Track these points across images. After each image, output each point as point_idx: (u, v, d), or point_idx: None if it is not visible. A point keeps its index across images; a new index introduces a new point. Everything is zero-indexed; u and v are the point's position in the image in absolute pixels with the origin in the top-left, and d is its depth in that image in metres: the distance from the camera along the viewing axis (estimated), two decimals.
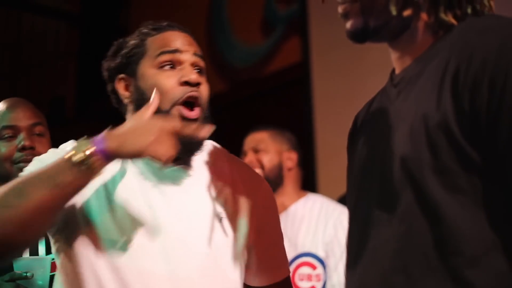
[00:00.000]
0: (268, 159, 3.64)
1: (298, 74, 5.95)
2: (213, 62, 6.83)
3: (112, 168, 1.89)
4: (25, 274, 2.12)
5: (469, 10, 1.50)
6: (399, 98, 1.53)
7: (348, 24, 1.58)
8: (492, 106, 1.32)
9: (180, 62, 1.94)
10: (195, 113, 1.91)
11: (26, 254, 2.29)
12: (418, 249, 1.38)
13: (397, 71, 1.61)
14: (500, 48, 1.34)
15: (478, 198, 1.35)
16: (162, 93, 1.89)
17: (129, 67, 2.00)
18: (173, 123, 1.81)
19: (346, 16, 1.58)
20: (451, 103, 1.37)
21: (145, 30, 2.03)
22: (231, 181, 2.00)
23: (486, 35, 1.38)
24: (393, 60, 1.63)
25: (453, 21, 1.50)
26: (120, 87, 2.02)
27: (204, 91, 1.95)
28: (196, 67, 1.96)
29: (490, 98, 1.32)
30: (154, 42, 1.98)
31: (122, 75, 2.01)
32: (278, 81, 6.13)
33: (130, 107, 2.01)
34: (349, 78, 5.25)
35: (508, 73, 1.31)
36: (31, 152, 2.34)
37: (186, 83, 1.90)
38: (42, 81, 7.39)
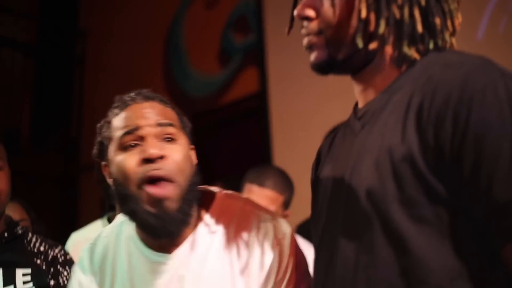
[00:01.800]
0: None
1: (255, 104, 5.97)
2: (170, 92, 6.82)
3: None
4: None
5: (431, 46, 1.53)
6: (364, 131, 1.54)
7: (313, 56, 1.58)
8: (455, 140, 1.33)
9: (142, 138, 1.86)
10: (163, 190, 1.80)
11: None
12: (385, 279, 1.39)
13: (360, 105, 1.62)
14: (462, 84, 1.35)
15: (443, 228, 1.35)
16: (126, 177, 1.82)
17: (103, 154, 1.96)
18: None
19: (310, 48, 1.58)
20: (416, 137, 1.38)
21: (112, 110, 1.96)
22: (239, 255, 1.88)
23: (448, 70, 1.40)
24: (356, 93, 1.64)
25: (416, 55, 1.52)
26: (106, 174, 1.96)
27: (172, 161, 1.84)
28: (164, 136, 1.88)
29: (453, 132, 1.34)
30: (117, 123, 1.91)
31: (103, 162, 1.96)
32: (235, 111, 6.15)
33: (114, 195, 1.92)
34: (306, 107, 5.28)
35: (471, 108, 1.33)
36: None
37: (146, 161, 1.81)
38: None
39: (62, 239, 2.60)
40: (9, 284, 2.30)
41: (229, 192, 2.03)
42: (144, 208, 1.79)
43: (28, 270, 2.37)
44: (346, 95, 1.67)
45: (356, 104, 1.66)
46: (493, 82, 1.35)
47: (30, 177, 6.08)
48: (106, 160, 1.94)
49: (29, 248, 2.45)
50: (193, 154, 1.97)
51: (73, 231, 3.12)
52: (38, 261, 2.41)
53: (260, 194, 3.47)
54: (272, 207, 3.39)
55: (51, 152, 7.68)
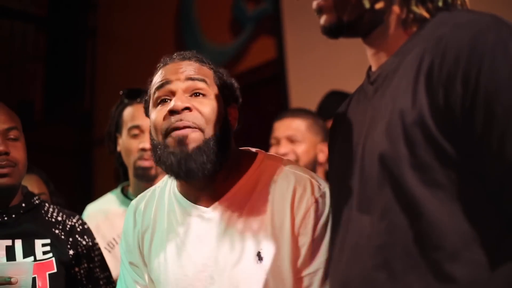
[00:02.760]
0: (305, 152, 3.41)
1: (270, 73, 5.93)
2: None
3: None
4: (9, 279, 2.09)
5: (440, 3, 1.53)
6: (376, 95, 1.55)
7: (322, 20, 1.59)
8: (466, 101, 1.33)
9: (172, 93, 1.94)
10: (186, 131, 1.87)
11: (3, 259, 2.25)
12: (399, 245, 1.40)
13: (373, 68, 1.63)
14: (472, 43, 1.35)
15: (456, 192, 1.36)
16: (155, 128, 1.93)
17: (147, 111, 2.05)
18: None
19: (320, 11, 1.59)
20: (426, 99, 1.38)
21: (156, 70, 2.05)
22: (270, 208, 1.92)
23: (458, 30, 1.39)
24: (368, 57, 1.65)
25: (425, 14, 1.52)
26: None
27: (197, 112, 1.90)
28: (194, 91, 1.94)
29: (464, 93, 1.34)
30: (153, 81, 2.00)
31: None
32: (249, 80, 6.12)
33: None
34: (325, 76, 5.24)
35: (480, 68, 1.33)
36: (5, 158, 2.29)
37: (171, 112, 1.89)
38: (9, 85, 7.32)
39: (77, 212, 2.60)
40: (29, 255, 2.31)
41: (269, 153, 2.07)
42: (168, 151, 1.87)
43: (47, 240, 2.38)
44: (365, 62, 1.66)
45: (370, 68, 1.66)
46: (503, 41, 1.35)
47: (44, 150, 6.09)
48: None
49: (46, 218, 2.46)
50: (233, 112, 2.03)
51: (87, 204, 3.13)
52: (57, 231, 2.43)
53: (280, 127, 3.46)
54: (297, 135, 3.40)
55: (65, 125, 7.69)
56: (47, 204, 2.52)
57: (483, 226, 1.35)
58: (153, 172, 2.89)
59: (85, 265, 2.43)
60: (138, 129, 2.94)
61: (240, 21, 6.53)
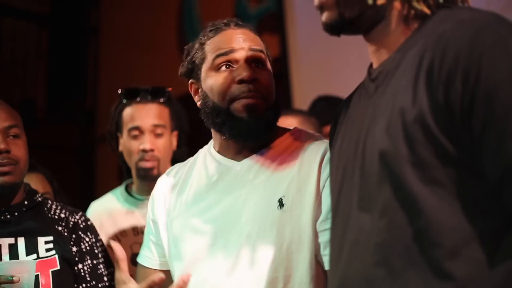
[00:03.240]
0: None
1: (274, 70, 5.93)
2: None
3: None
4: (11, 278, 2.10)
5: (441, 0, 1.53)
6: (377, 93, 1.56)
7: (324, 17, 1.60)
8: (466, 98, 1.34)
9: (236, 61, 2.04)
10: (256, 100, 2.00)
11: (6, 258, 2.26)
12: (399, 242, 1.40)
13: (374, 66, 1.64)
14: (472, 41, 1.36)
15: (455, 190, 1.37)
16: (219, 93, 2.03)
17: (194, 72, 2.14)
18: None
19: (321, 8, 1.60)
20: (426, 97, 1.39)
21: (205, 32, 2.14)
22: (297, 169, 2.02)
23: (458, 28, 1.40)
24: (370, 54, 1.65)
25: (426, 10, 1.53)
26: (192, 91, 2.17)
27: (261, 83, 2.02)
28: (253, 62, 2.05)
29: (463, 91, 1.34)
30: (211, 45, 2.09)
31: (191, 80, 2.17)
32: None
33: (201, 111, 2.12)
34: (327, 74, 5.23)
35: (481, 66, 1.33)
36: (6, 156, 2.29)
37: (241, 81, 2.00)
38: (12, 83, 7.32)
39: (80, 209, 2.60)
40: (32, 253, 2.32)
41: (302, 129, 2.20)
42: (238, 116, 2.00)
43: (50, 238, 2.39)
44: (367, 60, 1.66)
45: (371, 65, 1.67)
46: (503, 39, 1.35)
47: (46, 148, 6.08)
48: (195, 79, 2.14)
49: (49, 215, 2.46)
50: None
51: (90, 202, 3.13)
52: (60, 228, 2.43)
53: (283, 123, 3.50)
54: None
55: (67, 123, 7.68)
56: (49, 202, 2.52)
57: (482, 224, 1.36)
58: (155, 172, 2.90)
59: (89, 261, 2.43)
60: (138, 130, 2.94)
61: (242, 19, 6.52)
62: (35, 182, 2.96)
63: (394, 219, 1.41)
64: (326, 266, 1.90)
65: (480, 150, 1.34)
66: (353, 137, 1.59)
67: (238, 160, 2.08)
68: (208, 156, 2.17)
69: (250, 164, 2.06)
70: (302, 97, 5.38)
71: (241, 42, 2.07)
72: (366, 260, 1.45)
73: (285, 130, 2.14)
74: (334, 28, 1.60)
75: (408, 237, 1.39)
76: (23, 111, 2.48)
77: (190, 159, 2.27)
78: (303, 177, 1.99)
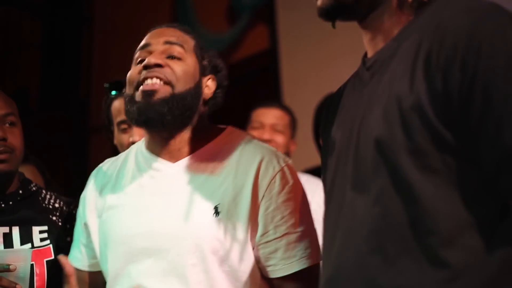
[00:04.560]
0: (283, 144, 3.52)
1: (265, 61, 5.92)
2: None
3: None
4: (7, 266, 2.10)
5: None
6: (373, 81, 1.55)
7: (319, 1, 1.57)
8: (464, 87, 1.34)
9: (151, 54, 2.02)
10: (154, 85, 1.96)
11: (0, 246, 2.26)
12: (394, 229, 1.40)
13: (369, 54, 1.62)
14: (471, 30, 1.35)
15: (452, 178, 1.37)
16: (129, 82, 2.03)
17: None
18: None
19: None
20: (424, 84, 1.38)
21: None
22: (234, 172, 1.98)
23: (457, 16, 1.40)
24: (365, 42, 1.64)
25: None
26: None
27: (169, 69, 1.98)
28: (170, 54, 2.02)
29: (462, 79, 1.34)
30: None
31: None
32: (244, 69, 6.11)
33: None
34: (318, 66, 5.23)
35: (479, 54, 1.33)
36: (2, 144, 2.29)
37: (145, 68, 1.98)
38: (5, 72, 7.30)
39: (73, 200, 2.60)
40: (26, 242, 2.32)
41: (238, 129, 2.15)
42: (135, 100, 1.97)
43: (45, 227, 2.39)
44: (358, 52, 1.66)
45: (365, 54, 1.65)
46: (502, 27, 1.35)
47: (39, 138, 6.08)
48: None
49: (44, 205, 2.46)
50: (209, 82, 2.11)
51: (82, 191, 3.12)
52: (54, 218, 2.44)
53: (267, 114, 3.51)
54: (280, 126, 3.49)
55: (60, 113, 7.67)
56: (44, 191, 2.52)
57: (478, 212, 1.36)
58: None
59: None
60: (126, 123, 2.93)
61: (236, 9, 6.52)
62: (26, 172, 2.96)
63: (389, 206, 1.41)
64: (272, 275, 1.95)
65: (477, 138, 1.34)
66: (346, 126, 1.58)
67: (171, 161, 2.03)
68: (139, 155, 2.12)
69: (183, 166, 2.01)
70: (292, 89, 5.40)
71: (155, 37, 2.07)
72: (359, 248, 1.44)
73: (219, 130, 2.10)
74: (330, 14, 1.58)
75: (403, 224, 1.39)
76: (16, 100, 2.47)
77: (122, 155, 2.22)
78: (239, 185, 1.95)
